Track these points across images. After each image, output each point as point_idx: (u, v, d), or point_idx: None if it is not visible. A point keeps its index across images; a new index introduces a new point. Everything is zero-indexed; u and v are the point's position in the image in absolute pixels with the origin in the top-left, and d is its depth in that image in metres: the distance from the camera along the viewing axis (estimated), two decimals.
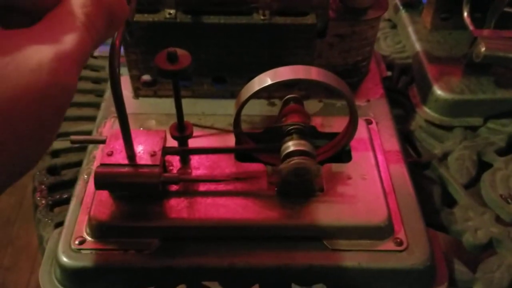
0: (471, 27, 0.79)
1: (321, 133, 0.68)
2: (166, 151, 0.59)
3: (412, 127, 0.79)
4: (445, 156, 0.74)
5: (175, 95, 0.57)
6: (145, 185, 0.56)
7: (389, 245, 0.58)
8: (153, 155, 0.57)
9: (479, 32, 0.78)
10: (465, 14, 0.80)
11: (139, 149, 0.57)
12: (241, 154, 0.64)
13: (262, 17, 0.66)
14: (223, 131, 0.62)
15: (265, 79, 0.58)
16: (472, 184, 0.71)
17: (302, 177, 0.57)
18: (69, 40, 0.34)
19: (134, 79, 0.73)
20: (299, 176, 0.57)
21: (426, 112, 0.80)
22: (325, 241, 0.58)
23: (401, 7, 0.95)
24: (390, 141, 0.70)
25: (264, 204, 0.59)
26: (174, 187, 0.60)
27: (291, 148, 0.57)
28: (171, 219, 0.57)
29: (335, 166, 0.63)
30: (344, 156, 0.66)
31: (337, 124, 0.67)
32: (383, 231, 0.58)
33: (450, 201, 0.70)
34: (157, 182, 0.55)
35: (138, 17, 0.65)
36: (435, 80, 0.80)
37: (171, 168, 0.62)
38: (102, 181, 0.56)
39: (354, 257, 0.57)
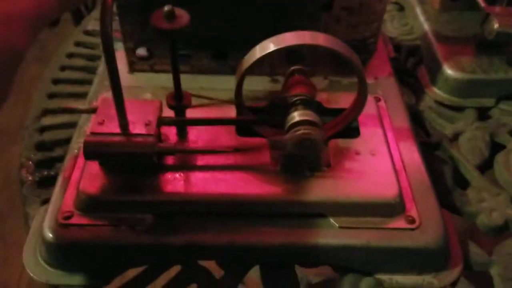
0: (482, 4, 0.76)
1: (327, 109, 0.64)
2: (161, 121, 0.55)
3: (421, 108, 0.75)
4: (455, 136, 0.71)
5: (172, 60, 0.53)
6: (138, 156, 0.52)
7: (400, 223, 0.54)
8: (147, 124, 0.53)
9: (491, 8, 0.74)
10: None
11: (132, 118, 0.53)
12: (242, 128, 0.60)
13: None
14: (223, 102, 0.58)
15: (268, 45, 0.54)
16: (485, 165, 0.67)
17: (307, 150, 0.53)
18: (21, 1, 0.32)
19: (129, 52, 0.69)
20: (304, 148, 0.53)
21: (436, 92, 0.76)
22: (332, 218, 0.54)
23: None
24: (399, 119, 0.66)
25: (267, 178, 0.55)
26: (170, 160, 0.56)
27: (297, 118, 0.53)
28: (166, 193, 0.53)
29: (342, 142, 0.59)
30: (351, 132, 0.62)
31: (344, 100, 0.63)
32: (393, 208, 0.54)
33: (462, 182, 0.66)
34: (152, 152, 0.51)
35: None
36: (444, 60, 0.76)
37: (167, 141, 0.58)
38: (92, 151, 0.52)
39: (362, 235, 0.53)
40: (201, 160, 0.56)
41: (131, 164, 0.54)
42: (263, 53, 0.54)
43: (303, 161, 0.55)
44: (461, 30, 0.82)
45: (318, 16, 0.67)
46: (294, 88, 0.57)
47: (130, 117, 0.53)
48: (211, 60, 0.69)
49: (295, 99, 0.56)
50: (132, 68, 0.70)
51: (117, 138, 0.52)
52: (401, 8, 0.94)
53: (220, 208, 0.54)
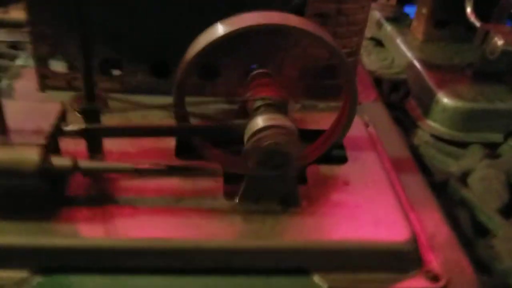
0: (477, 23, 0.64)
1: (303, 131, 0.48)
2: (61, 130, 0.37)
3: (416, 143, 0.60)
4: (464, 175, 0.55)
5: (80, 38, 0.36)
6: (18, 176, 0.33)
7: (419, 281, 0.36)
8: (37, 132, 0.35)
9: (488, 26, 0.63)
10: (469, 10, 0.66)
11: (17, 125, 0.36)
12: (184, 148, 0.43)
13: None
14: (156, 108, 0.41)
15: (219, 29, 0.38)
16: (506, 210, 0.51)
17: (277, 168, 0.36)
18: None
19: (41, 63, 0.52)
20: (273, 166, 0.36)
21: (431, 125, 0.62)
22: (317, 275, 0.36)
23: (385, 22, 0.81)
24: (395, 147, 0.50)
25: (219, 216, 0.37)
26: (77, 189, 0.37)
27: (260, 124, 0.36)
28: (64, 238, 0.34)
29: (325, 168, 0.43)
30: (335, 159, 0.45)
31: (324, 120, 0.48)
32: (406, 258, 0.37)
33: (478, 230, 0.49)
34: (36, 169, 0.33)
35: None
36: (438, 88, 0.62)
37: None
38: None
39: None
40: (123, 189, 0.38)
41: (9, 193, 0.35)
42: (216, 36, 0.38)
43: (271, 189, 0.38)
44: (450, 59, 0.70)
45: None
46: (256, 91, 0.41)
47: (13, 123, 0.35)
48: (148, 76, 0.53)
49: (258, 104, 0.39)
50: (44, 85, 0.53)
51: None
52: (377, 44, 0.82)
53: (149, 261, 0.35)
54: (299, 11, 0.54)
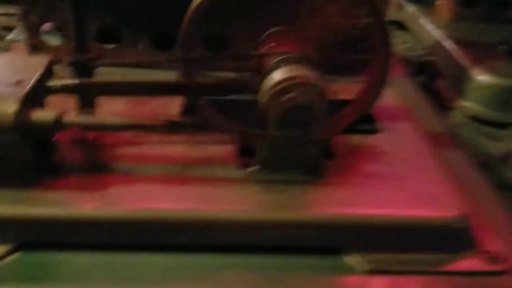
0: None
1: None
2: (47, 84, 0.31)
3: (451, 124, 0.54)
4: (506, 158, 0.49)
5: None
6: None
7: (474, 262, 0.30)
8: (16, 83, 0.30)
9: None
10: None
11: None
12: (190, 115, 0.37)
13: None
14: (158, 65, 0.35)
15: None
16: None
17: (301, 128, 0.30)
18: None
19: (32, 32, 0.47)
20: (295, 125, 0.30)
21: (466, 106, 0.56)
22: (350, 256, 0.30)
23: (406, 3, 0.76)
24: (431, 123, 0.44)
25: (233, 187, 0.31)
26: (67, 158, 0.32)
27: (280, 76, 0.30)
28: (51, 208, 0.29)
29: (354, 138, 0.37)
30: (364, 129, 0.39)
31: (349, 90, 0.42)
32: (458, 237, 0.30)
33: None
34: (12, 123, 0.27)
35: None
36: (472, 65, 0.57)
37: None
38: None
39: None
40: (119, 157, 0.32)
41: None
42: None
43: (292, 156, 0.32)
44: (480, 38, 0.64)
45: None
46: (274, 47, 0.36)
47: None
48: (150, 47, 0.47)
49: (275, 60, 0.33)
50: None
51: None
52: (398, 27, 0.77)
53: (149, 236, 0.29)
54: None
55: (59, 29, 0.48)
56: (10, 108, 0.27)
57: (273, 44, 0.37)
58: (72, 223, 0.29)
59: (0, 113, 0.27)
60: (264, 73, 0.32)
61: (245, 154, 0.35)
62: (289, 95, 0.30)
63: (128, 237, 0.29)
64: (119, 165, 0.32)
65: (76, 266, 0.29)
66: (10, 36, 0.54)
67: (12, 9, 0.70)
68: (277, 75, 0.31)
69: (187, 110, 0.36)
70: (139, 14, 0.46)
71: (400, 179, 0.33)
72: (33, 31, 0.47)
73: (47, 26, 0.47)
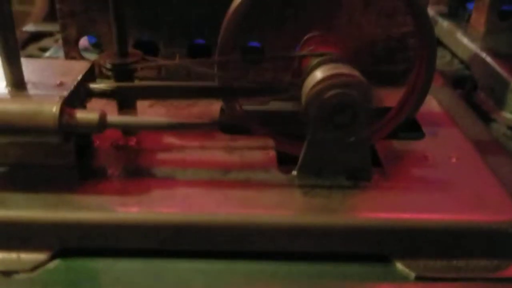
0: None
1: None
2: (89, 87, 0.31)
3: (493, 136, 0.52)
4: None
5: None
6: (34, 130, 0.27)
7: None
8: (58, 85, 0.30)
9: None
10: None
11: (37, 79, 0.30)
12: (229, 125, 0.36)
13: None
14: (197, 64, 0.35)
15: None
16: None
17: (345, 128, 0.29)
18: None
19: (69, 45, 0.47)
20: (339, 125, 0.29)
21: (508, 117, 0.54)
22: (400, 262, 0.28)
23: (440, 18, 0.75)
24: (474, 130, 0.43)
25: (276, 191, 0.30)
26: (107, 163, 0.31)
27: (323, 74, 0.30)
28: (91, 212, 0.28)
29: (399, 144, 0.36)
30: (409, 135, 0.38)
31: (389, 96, 0.41)
32: None
33: None
34: (56, 125, 0.27)
35: None
36: None
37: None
38: None
39: None
40: (160, 162, 0.32)
41: (27, 159, 0.29)
42: None
43: (336, 159, 0.31)
44: None
45: None
46: (313, 51, 0.35)
47: (33, 77, 0.30)
48: (185, 57, 0.47)
49: (315, 61, 0.33)
50: None
51: None
52: None
53: (192, 241, 0.28)
54: None
55: (96, 46, 0.49)
56: (53, 108, 0.27)
57: (311, 48, 0.37)
58: (113, 228, 0.28)
59: (43, 113, 0.27)
60: (304, 73, 0.32)
61: (287, 160, 0.34)
62: (331, 93, 0.29)
63: (169, 242, 0.28)
64: (159, 170, 0.31)
65: (117, 272, 0.28)
66: (48, 54, 0.55)
67: (49, 27, 0.72)
68: (319, 74, 0.30)
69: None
70: (176, 26, 0.46)
71: (450, 183, 0.31)
72: (71, 44, 0.48)
73: (83, 42, 0.48)
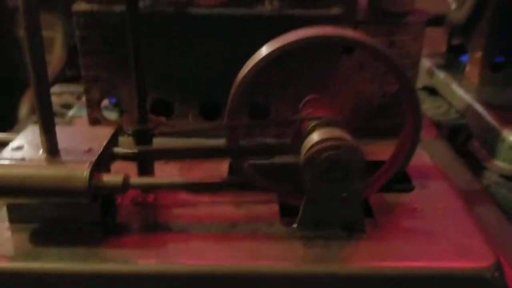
0: None
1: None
2: (113, 152, 0.36)
3: (485, 184, 0.56)
4: None
5: (132, 43, 0.35)
6: (66, 192, 0.32)
7: None
8: (87, 151, 0.34)
9: None
10: None
11: (68, 145, 0.35)
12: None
13: (269, 8, 0.48)
14: (207, 132, 0.39)
15: (282, 39, 0.37)
16: None
17: (339, 183, 0.33)
18: None
19: (93, 106, 0.52)
20: (334, 180, 0.33)
21: (499, 165, 0.57)
22: None
23: (436, 70, 0.79)
24: (463, 180, 0.46)
25: (278, 243, 0.34)
26: (128, 218, 0.35)
27: (318, 137, 0.34)
28: (115, 263, 0.32)
29: (389, 197, 0.39)
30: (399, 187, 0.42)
31: (383, 151, 0.45)
32: (492, 286, 0.32)
33: None
34: (85, 185, 0.31)
35: (93, 8, 0.47)
36: (502, 126, 0.59)
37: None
38: None
39: None
40: (175, 217, 0.36)
41: (58, 216, 0.34)
42: (274, 47, 0.36)
43: (332, 213, 0.34)
44: (509, 100, 0.67)
45: (337, 60, 0.52)
46: (311, 113, 0.39)
47: (65, 143, 0.34)
48: (199, 117, 0.52)
49: (314, 123, 0.37)
50: None
51: (29, 166, 0.32)
52: (431, 93, 0.80)
53: None
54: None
55: (116, 105, 0.54)
56: (84, 173, 0.31)
57: (310, 110, 0.41)
58: (134, 278, 0.32)
59: (75, 177, 0.31)
60: (302, 136, 0.36)
61: (288, 212, 0.38)
62: (326, 154, 0.33)
63: None
64: (174, 224, 0.35)
65: None
66: (71, 113, 0.59)
67: (71, 88, 0.77)
68: (314, 137, 0.34)
69: (233, 173, 0.40)
70: (190, 87, 0.51)
71: (435, 233, 0.35)
72: (94, 106, 0.52)
73: (104, 103, 0.53)
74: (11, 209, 0.34)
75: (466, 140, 0.65)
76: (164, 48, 0.49)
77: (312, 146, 0.33)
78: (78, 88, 0.74)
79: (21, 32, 0.32)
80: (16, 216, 0.34)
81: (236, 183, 0.36)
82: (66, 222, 0.34)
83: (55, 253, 0.32)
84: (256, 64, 0.37)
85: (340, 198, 0.34)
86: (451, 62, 0.80)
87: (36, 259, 0.32)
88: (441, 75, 0.78)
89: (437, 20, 0.80)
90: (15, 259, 0.32)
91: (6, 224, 0.34)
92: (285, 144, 0.37)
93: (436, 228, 0.35)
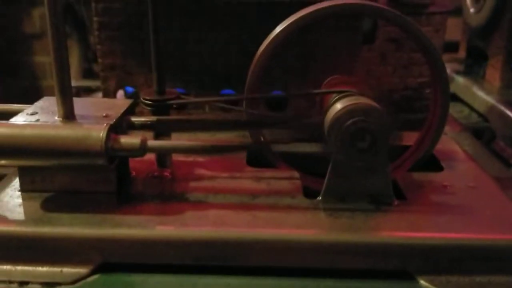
0: None
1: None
2: (129, 120, 0.34)
3: None
4: None
5: (152, 23, 0.35)
6: (83, 153, 0.30)
7: None
8: (104, 117, 0.33)
9: None
10: None
11: (85, 113, 0.33)
12: (255, 158, 0.39)
13: None
14: (226, 108, 0.38)
15: (299, 13, 0.36)
16: None
17: (366, 151, 0.32)
18: None
19: (108, 95, 0.51)
20: (361, 148, 0.31)
21: None
22: (422, 278, 0.29)
23: (455, 75, 0.78)
24: (494, 168, 0.44)
25: (302, 214, 0.32)
26: (145, 190, 0.34)
27: (342, 105, 0.32)
28: (131, 229, 0.30)
29: (419, 175, 0.37)
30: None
31: (408, 137, 0.43)
32: None
33: None
34: (102, 149, 0.30)
35: None
36: None
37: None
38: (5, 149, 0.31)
39: None
40: (193, 189, 0.34)
41: (75, 184, 0.32)
42: (297, 17, 0.35)
43: (358, 185, 0.33)
44: None
45: (358, 51, 0.51)
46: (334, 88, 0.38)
47: (81, 111, 0.33)
48: (215, 108, 0.51)
49: (335, 97, 0.35)
50: None
51: (47, 126, 0.31)
52: (451, 99, 0.78)
53: (223, 258, 0.30)
54: (371, 37, 0.52)
55: (133, 94, 0.53)
56: (101, 133, 0.30)
57: (333, 85, 0.40)
58: (150, 244, 0.30)
59: (92, 137, 0.30)
60: (326, 107, 0.34)
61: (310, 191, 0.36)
62: (350, 120, 0.31)
63: (201, 258, 0.30)
64: (192, 195, 0.34)
65: (152, 286, 0.29)
66: None
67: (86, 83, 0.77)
68: (339, 105, 0.33)
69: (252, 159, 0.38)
70: (205, 77, 0.50)
71: (469, 207, 0.33)
72: (110, 95, 0.52)
73: (120, 93, 0.52)
74: (23, 177, 0.32)
75: (490, 141, 0.63)
76: (181, 37, 0.48)
77: (337, 112, 0.31)
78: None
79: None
80: (28, 185, 0.32)
81: (256, 150, 0.34)
82: (79, 193, 0.33)
83: (67, 219, 0.30)
84: (276, 36, 0.36)
85: (367, 169, 0.32)
86: (470, 67, 0.79)
87: (47, 223, 0.30)
88: (460, 79, 0.76)
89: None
90: (25, 223, 0.30)
91: (18, 193, 0.33)
92: (308, 120, 0.35)
93: (468, 202, 0.33)
